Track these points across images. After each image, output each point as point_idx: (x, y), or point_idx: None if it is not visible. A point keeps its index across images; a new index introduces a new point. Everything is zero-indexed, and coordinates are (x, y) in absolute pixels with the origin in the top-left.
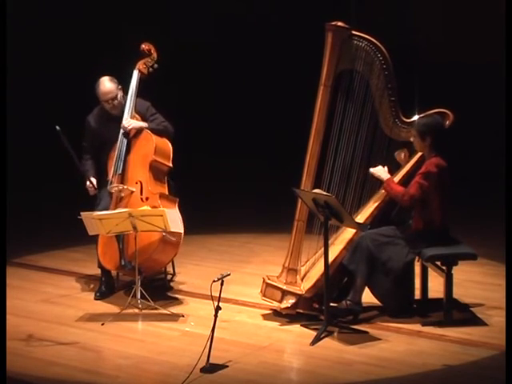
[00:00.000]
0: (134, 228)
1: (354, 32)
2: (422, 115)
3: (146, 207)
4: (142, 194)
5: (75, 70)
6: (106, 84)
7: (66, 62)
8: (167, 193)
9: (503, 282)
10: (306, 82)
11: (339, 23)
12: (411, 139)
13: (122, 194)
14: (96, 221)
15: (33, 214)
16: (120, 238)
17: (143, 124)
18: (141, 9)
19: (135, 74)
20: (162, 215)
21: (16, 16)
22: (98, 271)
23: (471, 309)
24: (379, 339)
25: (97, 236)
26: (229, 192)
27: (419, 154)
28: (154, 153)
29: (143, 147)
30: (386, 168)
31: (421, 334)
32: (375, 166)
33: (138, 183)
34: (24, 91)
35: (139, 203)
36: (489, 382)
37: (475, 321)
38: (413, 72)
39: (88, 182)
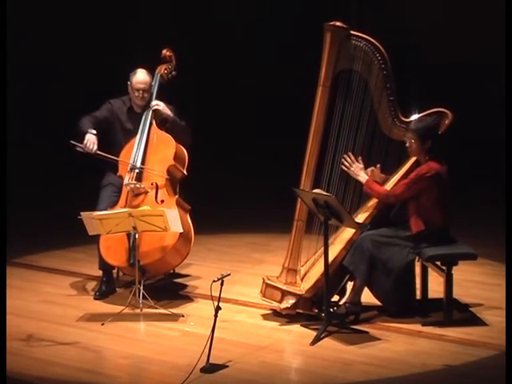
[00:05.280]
0: (134, 228)
1: (352, 32)
2: (418, 117)
3: (146, 207)
4: (157, 196)
5: (76, 70)
6: (144, 74)
7: (68, 61)
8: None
9: (503, 282)
10: (304, 82)
11: (337, 23)
12: (407, 144)
13: (137, 192)
14: (96, 221)
15: (33, 214)
16: (131, 236)
17: (170, 112)
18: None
19: (156, 78)
20: (162, 215)
21: (16, 17)
22: (98, 271)
23: (471, 309)
24: (379, 339)
25: (97, 235)
26: (228, 192)
27: (413, 158)
28: (174, 158)
29: (163, 150)
30: (361, 164)
31: (421, 334)
32: (374, 165)
33: (154, 184)
34: (27, 88)
35: (154, 205)
36: (489, 382)
37: (475, 321)
38: (411, 72)
39: (88, 136)
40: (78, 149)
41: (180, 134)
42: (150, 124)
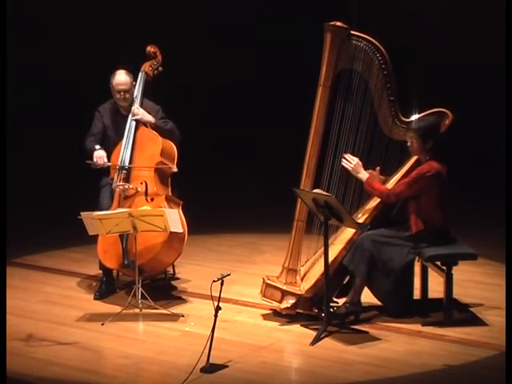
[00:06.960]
0: (134, 228)
1: (352, 32)
2: (418, 116)
3: (146, 207)
4: (147, 194)
5: (77, 70)
6: (123, 75)
7: (68, 61)
8: (172, 195)
9: (503, 282)
10: (305, 82)
11: (338, 23)
12: (408, 144)
13: (127, 193)
14: (96, 221)
15: (33, 214)
16: (124, 238)
17: (151, 118)
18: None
19: (141, 76)
20: (161, 215)
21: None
22: (98, 271)
23: (471, 309)
24: (379, 339)
25: (97, 236)
26: (228, 192)
27: (414, 158)
28: (161, 154)
29: (149, 148)
30: (358, 161)
31: (421, 334)
32: (373, 167)
33: (143, 183)
34: (27, 89)
35: (144, 203)
36: (489, 382)
37: (475, 321)
38: (411, 72)
39: (96, 153)
40: (93, 166)
41: (166, 137)
42: (137, 124)
